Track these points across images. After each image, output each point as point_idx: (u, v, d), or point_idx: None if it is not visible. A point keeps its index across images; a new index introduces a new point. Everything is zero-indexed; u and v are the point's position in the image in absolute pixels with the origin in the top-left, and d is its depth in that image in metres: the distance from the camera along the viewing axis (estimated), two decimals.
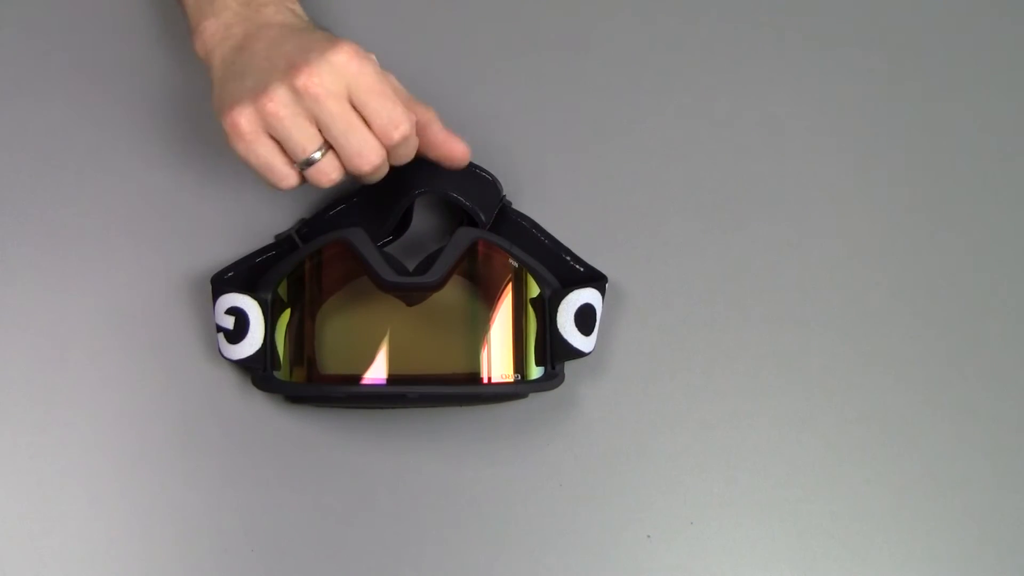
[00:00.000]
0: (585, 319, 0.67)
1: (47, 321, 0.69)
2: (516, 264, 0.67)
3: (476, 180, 0.70)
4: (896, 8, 0.80)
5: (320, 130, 0.60)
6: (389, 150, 0.61)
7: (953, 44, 0.80)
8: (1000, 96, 0.79)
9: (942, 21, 0.80)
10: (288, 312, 0.66)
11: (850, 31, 0.80)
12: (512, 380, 0.65)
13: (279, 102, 0.59)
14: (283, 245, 0.70)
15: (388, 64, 0.78)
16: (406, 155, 0.63)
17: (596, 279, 0.70)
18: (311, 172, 0.61)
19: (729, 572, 0.67)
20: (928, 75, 0.79)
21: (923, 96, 0.78)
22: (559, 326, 0.67)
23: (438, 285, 0.65)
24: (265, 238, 0.72)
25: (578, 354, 0.67)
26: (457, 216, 0.72)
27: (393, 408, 0.69)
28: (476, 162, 0.71)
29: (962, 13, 0.81)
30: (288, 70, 0.59)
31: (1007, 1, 0.81)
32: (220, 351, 0.66)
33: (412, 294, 0.66)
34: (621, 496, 0.68)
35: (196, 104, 0.72)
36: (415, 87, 0.76)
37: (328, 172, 0.61)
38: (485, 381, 0.65)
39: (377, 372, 0.64)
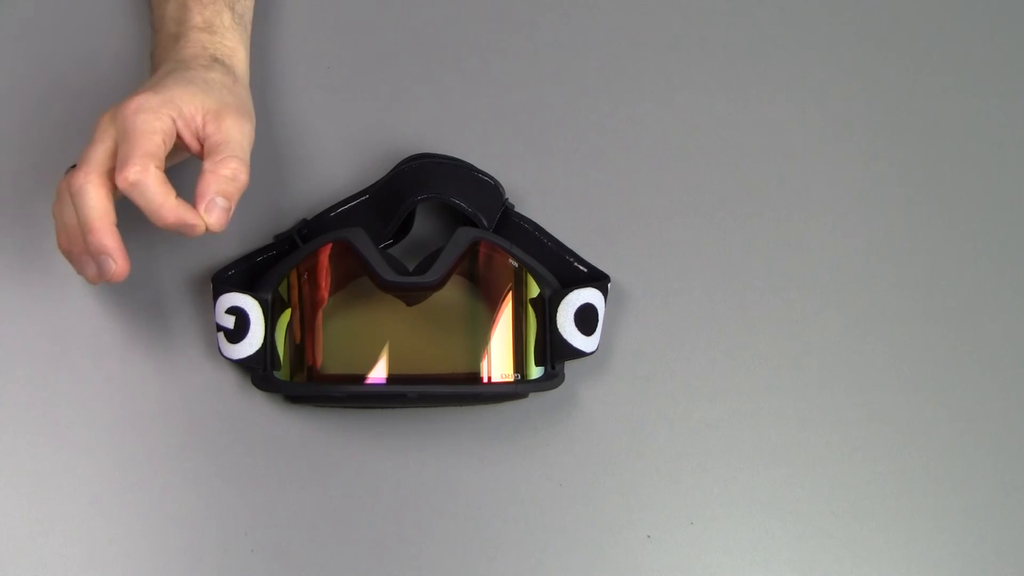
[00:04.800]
0: (586, 319, 0.67)
1: (47, 321, 0.69)
2: (516, 264, 0.67)
3: (478, 185, 0.70)
4: (896, 7, 0.81)
5: None
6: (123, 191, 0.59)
7: (953, 43, 0.80)
8: (1000, 94, 0.79)
9: (942, 20, 0.81)
10: (288, 312, 0.66)
11: (850, 30, 0.80)
12: (512, 380, 0.65)
13: None
14: (284, 245, 0.70)
15: (389, 68, 0.79)
16: (139, 202, 0.58)
17: (599, 279, 0.70)
18: None
19: (729, 572, 0.67)
20: (928, 74, 0.79)
21: (923, 95, 0.78)
22: (559, 326, 0.67)
23: (438, 285, 0.65)
24: (266, 238, 0.72)
25: (579, 354, 0.67)
26: (459, 221, 0.72)
27: (393, 408, 0.69)
28: (478, 166, 0.71)
29: (962, 12, 0.81)
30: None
31: (1007, 1, 0.81)
32: (220, 351, 0.66)
33: (412, 294, 0.66)
34: (621, 496, 0.68)
35: None
36: (416, 90, 0.77)
37: None
38: (485, 381, 0.65)
39: (377, 372, 0.64)
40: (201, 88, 0.62)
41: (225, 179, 0.59)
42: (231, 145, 0.60)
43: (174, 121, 0.60)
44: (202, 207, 0.59)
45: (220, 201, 0.59)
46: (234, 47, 0.67)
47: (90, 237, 0.58)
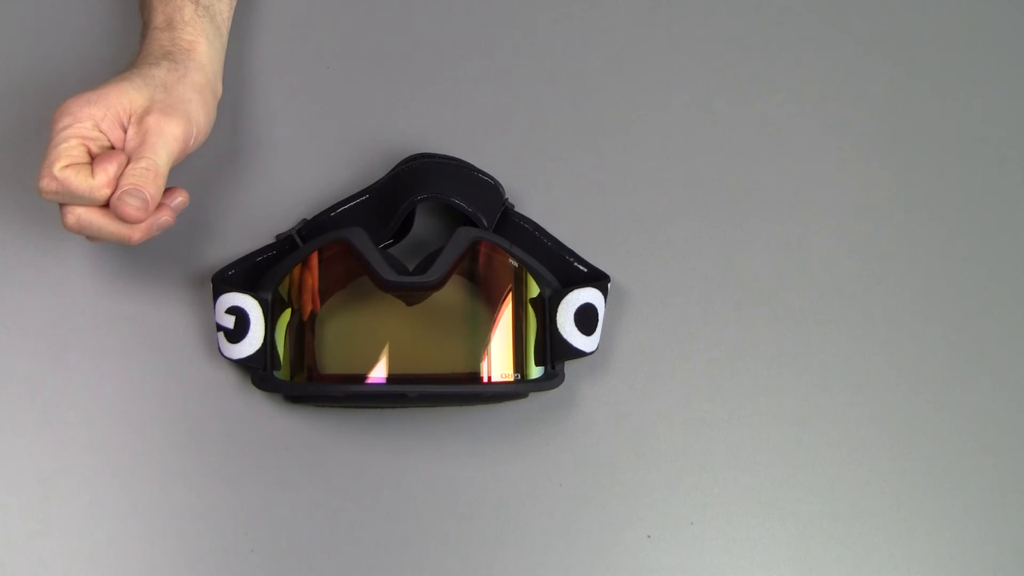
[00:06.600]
0: (586, 319, 0.67)
1: (47, 321, 0.70)
2: (516, 264, 0.67)
3: (478, 185, 0.70)
4: (895, 8, 0.81)
5: None
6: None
7: (952, 44, 0.80)
8: (999, 95, 0.79)
9: (940, 21, 0.81)
10: (288, 312, 0.66)
11: (849, 31, 0.80)
12: (512, 380, 0.65)
13: None
14: (284, 245, 0.70)
15: (389, 68, 0.79)
16: (72, 201, 0.61)
17: (599, 279, 0.70)
18: None
19: (729, 572, 0.67)
20: (927, 74, 0.79)
21: (922, 95, 0.78)
22: (559, 326, 0.67)
23: (438, 284, 0.65)
24: (266, 237, 0.72)
25: (578, 354, 0.67)
26: (459, 221, 0.72)
27: (393, 408, 0.69)
28: (478, 166, 0.71)
29: (961, 13, 0.81)
30: None
31: (1006, 1, 0.81)
32: (220, 351, 0.67)
33: (412, 294, 0.66)
34: (621, 496, 0.68)
35: None
36: (416, 89, 0.77)
37: None
38: (485, 380, 0.65)
39: (377, 371, 0.64)
40: (135, 86, 0.64)
41: (134, 174, 0.61)
42: (144, 147, 0.62)
43: (97, 123, 0.62)
44: (114, 197, 0.60)
45: (131, 191, 0.60)
46: (193, 39, 0.68)
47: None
